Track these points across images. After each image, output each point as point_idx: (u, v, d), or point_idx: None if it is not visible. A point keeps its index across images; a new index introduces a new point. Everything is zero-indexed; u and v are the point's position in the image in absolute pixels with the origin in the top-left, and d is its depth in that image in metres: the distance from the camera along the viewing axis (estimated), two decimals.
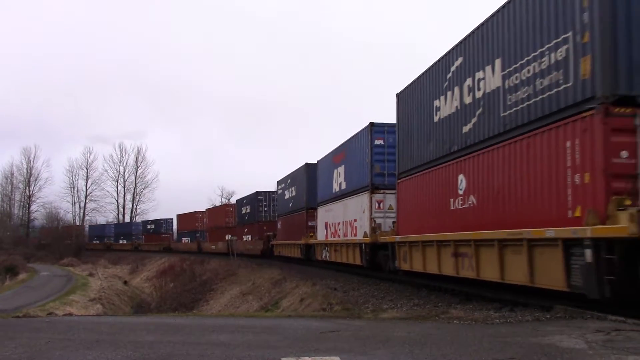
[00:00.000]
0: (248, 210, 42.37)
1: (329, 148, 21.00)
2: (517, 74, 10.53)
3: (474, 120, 12.20)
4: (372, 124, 18.69)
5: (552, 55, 9.50)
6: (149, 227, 74.32)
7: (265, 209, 39.65)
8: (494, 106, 11.36)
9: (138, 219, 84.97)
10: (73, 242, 72.71)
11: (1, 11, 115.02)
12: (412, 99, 15.79)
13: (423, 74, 15.09)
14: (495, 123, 11.35)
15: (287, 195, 31.78)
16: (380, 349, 6.83)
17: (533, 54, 10.04)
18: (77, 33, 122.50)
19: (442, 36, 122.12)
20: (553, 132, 9.50)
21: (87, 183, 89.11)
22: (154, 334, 8.44)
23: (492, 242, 11.11)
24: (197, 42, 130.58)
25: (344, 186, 21.45)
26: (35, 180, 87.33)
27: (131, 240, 76.31)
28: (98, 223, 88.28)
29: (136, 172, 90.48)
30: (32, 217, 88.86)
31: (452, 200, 13.09)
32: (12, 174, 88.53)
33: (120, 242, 78.91)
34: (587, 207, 8.54)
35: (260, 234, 38.46)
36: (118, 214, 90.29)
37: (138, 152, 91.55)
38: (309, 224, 27.26)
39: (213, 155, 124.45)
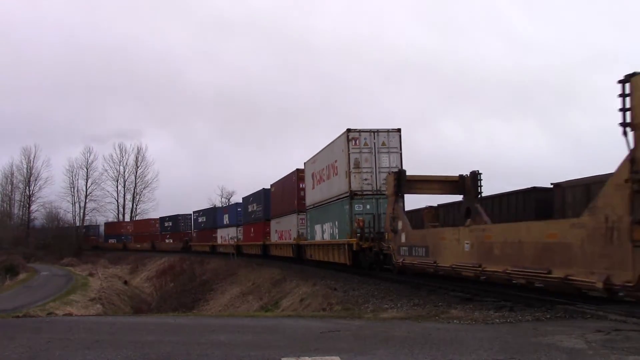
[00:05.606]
0: (171, 224, 66.35)
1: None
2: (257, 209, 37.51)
3: (253, 216, 38.72)
4: (236, 203, 46.32)
5: (256, 206, 38.01)
6: (83, 230, 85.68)
7: (183, 224, 63.34)
8: (256, 214, 37.96)
9: (138, 219, 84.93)
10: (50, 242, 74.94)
11: (1, 12, 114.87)
12: (245, 203, 41.51)
13: (247, 196, 41.15)
14: (249, 219, 40.09)
15: (200, 220, 57.08)
16: (380, 349, 6.83)
17: (254, 206, 38.58)
18: (75, 32, 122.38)
19: (431, 36, 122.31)
20: (260, 224, 36.45)
21: (87, 183, 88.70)
22: (154, 334, 8.45)
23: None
24: (195, 43, 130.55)
25: (228, 222, 46.42)
26: (35, 180, 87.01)
27: None
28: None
29: (136, 172, 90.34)
30: (32, 217, 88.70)
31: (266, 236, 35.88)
32: (12, 174, 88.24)
33: None
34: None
35: (180, 239, 62.41)
36: (118, 214, 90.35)
37: (138, 152, 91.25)
38: (213, 235, 50.82)
39: (213, 156, 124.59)
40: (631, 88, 8.22)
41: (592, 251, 8.78)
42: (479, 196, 16.21)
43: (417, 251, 15.28)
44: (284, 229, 30.77)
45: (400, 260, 16.28)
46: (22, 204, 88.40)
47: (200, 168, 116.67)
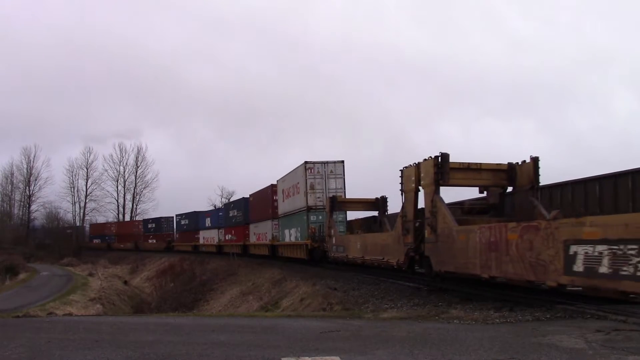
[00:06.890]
0: (154, 225, 70.66)
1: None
2: (238, 214, 42.78)
3: (234, 220, 43.38)
4: (218, 209, 54.77)
5: (236, 212, 42.68)
6: (68, 231, 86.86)
7: (165, 226, 67.48)
8: (237, 219, 42.62)
9: (139, 219, 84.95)
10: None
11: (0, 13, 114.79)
12: (226, 208, 47.24)
13: (228, 203, 52.29)
14: (230, 223, 44.39)
15: (183, 222, 62.60)
16: (380, 349, 6.83)
17: (235, 212, 43.98)
18: (74, 32, 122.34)
19: (429, 37, 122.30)
20: (241, 227, 41.68)
21: (87, 183, 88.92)
22: (154, 333, 8.45)
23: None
24: (195, 43, 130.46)
25: (210, 224, 51.76)
26: (35, 180, 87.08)
27: None
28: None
29: (136, 172, 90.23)
30: (32, 217, 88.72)
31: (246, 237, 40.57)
32: (12, 174, 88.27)
33: None
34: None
35: (163, 239, 66.54)
36: (118, 214, 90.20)
37: (138, 152, 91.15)
38: (195, 236, 56.30)
39: (213, 156, 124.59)
40: (402, 174, 15.60)
41: (394, 248, 16.53)
42: (386, 213, 23.29)
43: (339, 249, 22.64)
44: (261, 232, 36.81)
45: (332, 254, 23.55)
46: (22, 204, 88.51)
47: (200, 168, 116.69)
